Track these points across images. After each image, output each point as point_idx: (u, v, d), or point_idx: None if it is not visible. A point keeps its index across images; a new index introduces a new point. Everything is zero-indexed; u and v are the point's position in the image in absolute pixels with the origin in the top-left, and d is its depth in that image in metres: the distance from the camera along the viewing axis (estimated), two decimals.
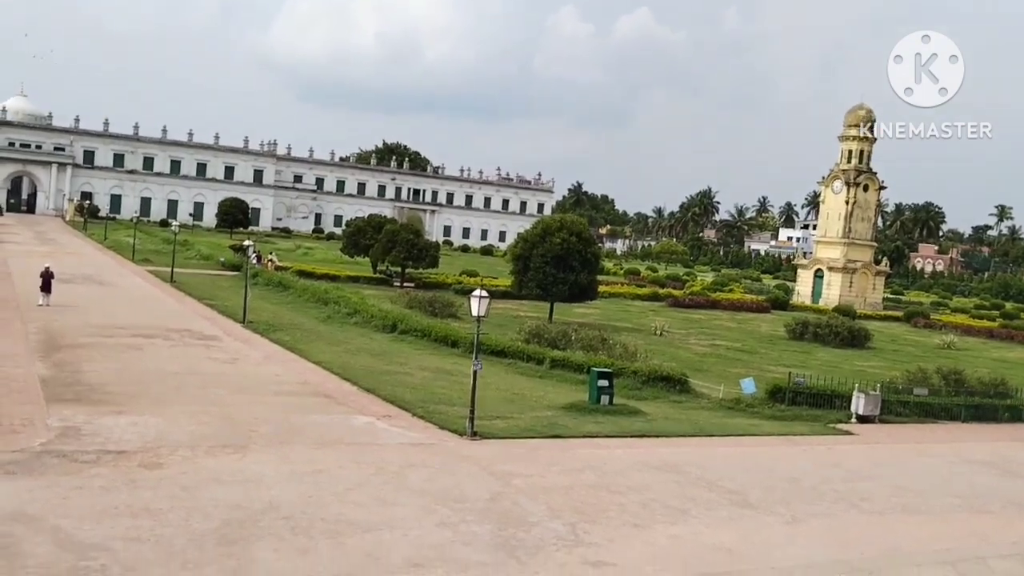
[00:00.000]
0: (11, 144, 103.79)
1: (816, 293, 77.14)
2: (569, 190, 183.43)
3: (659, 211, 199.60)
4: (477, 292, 18.79)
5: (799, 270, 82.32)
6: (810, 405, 25.97)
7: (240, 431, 17.07)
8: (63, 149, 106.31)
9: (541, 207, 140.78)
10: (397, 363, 27.65)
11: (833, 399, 26.18)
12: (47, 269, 32.96)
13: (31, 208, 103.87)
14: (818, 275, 78.13)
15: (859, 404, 25.01)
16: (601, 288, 51.64)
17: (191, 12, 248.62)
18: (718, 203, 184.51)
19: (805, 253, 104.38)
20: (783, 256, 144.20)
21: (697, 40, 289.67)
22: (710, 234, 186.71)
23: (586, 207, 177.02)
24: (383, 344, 31.77)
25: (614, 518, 13.86)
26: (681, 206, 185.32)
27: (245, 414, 18.54)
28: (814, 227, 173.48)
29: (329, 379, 23.92)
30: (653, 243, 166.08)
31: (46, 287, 32.35)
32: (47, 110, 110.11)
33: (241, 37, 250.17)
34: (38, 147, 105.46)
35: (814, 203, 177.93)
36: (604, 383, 23.33)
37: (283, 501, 13.08)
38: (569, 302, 45.58)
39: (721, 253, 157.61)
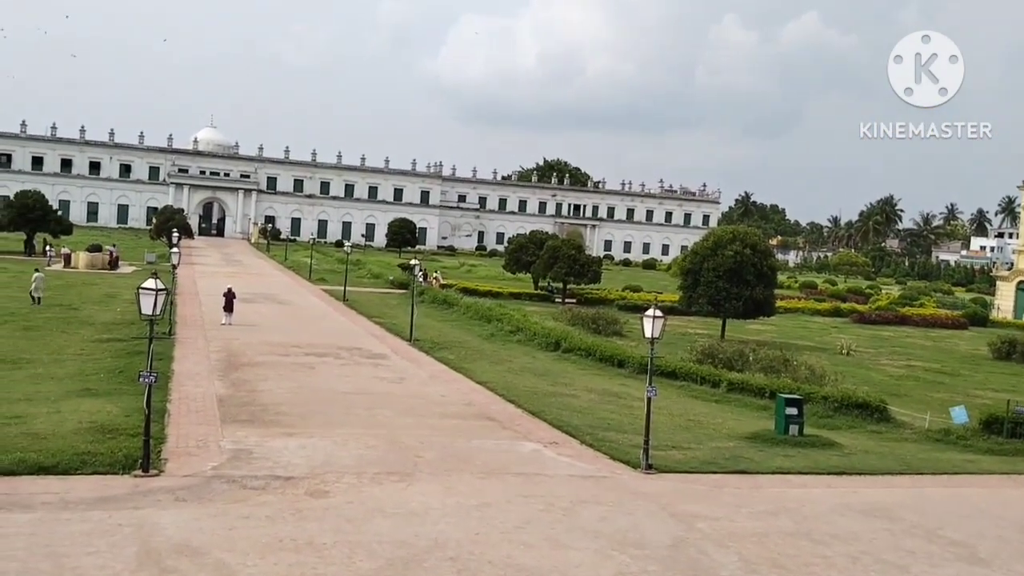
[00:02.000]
0: (203, 172, 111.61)
1: (1019, 308, 70.14)
2: (736, 200, 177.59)
3: (835, 220, 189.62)
4: (651, 311, 17.40)
5: (998, 283, 75.29)
6: None
7: (406, 457, 16.50)
8: (248, 176, 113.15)
9: (706, 219, 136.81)
10: (562, 384, 26.63)
11: None
12: (229, 290, 34.24)
13: (220, 232, 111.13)
14: (1020, 288, 71.08)
15: None
16: (777, 303, 48.77)
17: (363, 44, 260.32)
18: (901, 211, 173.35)
19: (1002, 263, 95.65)
20: (976, 267, 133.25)
21: (870, 41, 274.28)
22: (892, 244, 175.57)
23: (754, 218, 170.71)
24: (547, 363, 30.87)
25: (820, 575, 12.13)
26: (860, 214, 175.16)
27: (411, 438, 18.00)
28: (1011, 235, 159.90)
29: (494, 400, 23.18)
30: (829, 254, 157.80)
31: (228, 307, 33.57)
32: (234, 140, 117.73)
33: (410, 65, 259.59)
34: (226, 175, 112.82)
35: (1009, 209, 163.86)
36: (792, 411, 21.30)
37: (449, 539, 12.25)
38: (743, 318, 43.17)
39: (906, 264, 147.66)
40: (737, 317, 42.30)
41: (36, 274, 37.21)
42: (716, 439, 20.81)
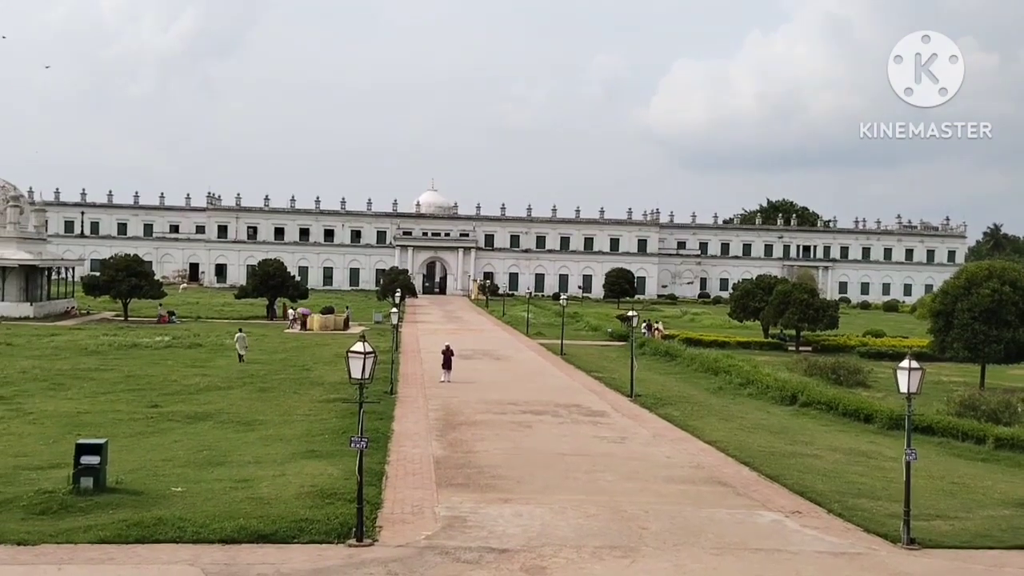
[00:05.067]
0: (425, 234, 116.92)
1: None
2: (984, 234, 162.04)
3: None
4: (906, 363, 15.14)
5: None
6: None
7: (629, 528, 15.18)
8: (467, 235, 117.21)
9: (952, 255, 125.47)
10: (801, 442, 24.25)
11: None
12: (448, 347, 34.62)
13: (442, 289, 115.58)
14: None
15: None
16: None
17: (578, 99, 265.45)
18: None
19: None
20: None
21: None
22: None
23: (1007, 251, 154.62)
24: (782, 419, 28.45)
25: None
26: None
27: (634, 506, 16.67)
28: None
29: (725, 462, 21.35)
30: None
31: (447, 364, 33.89)
32: (453, 201, 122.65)
33: (625, 116, 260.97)
34: (446, 234, 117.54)
35: None
36: None
37: None
38: (1005, 363, 38.47)
39: None
40: (998, 362, 37.86)
41: (239, 334, 39.64)
42: (988, 506, 17.91)
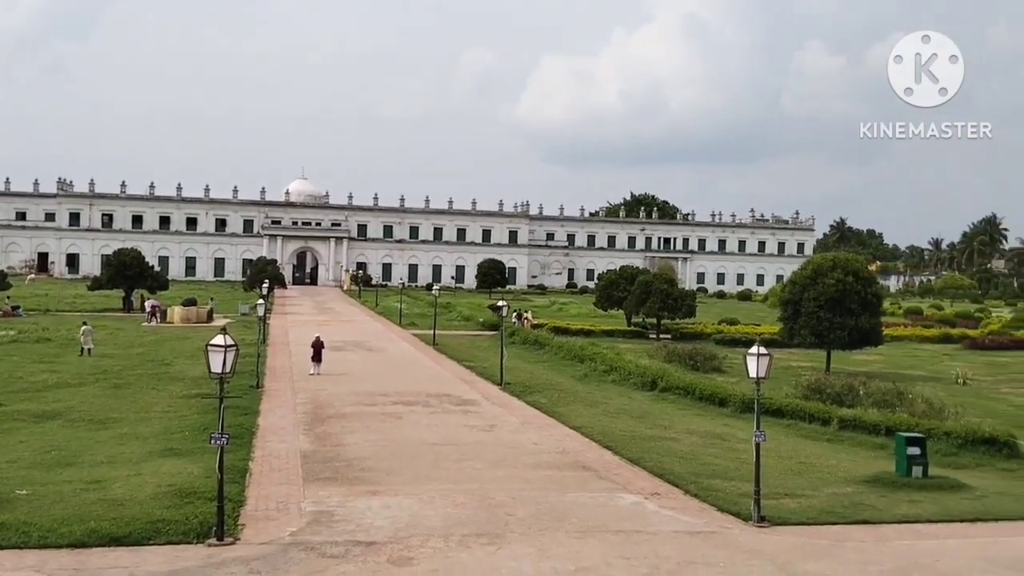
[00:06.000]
0: (295, 223, 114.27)
1: None
2: (831, 227, 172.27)
3: (936, 243, 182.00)
4: (755, 349, 15.97)
5: None
6: None
7: (496, 515, 15.42)
8: (339, 224, 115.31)
9: (801, 247, 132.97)
10: (660, 426, 25.20)
11: None
12: (318, 339, 34.04)
13: (313, 280, 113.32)
14: None
15: None
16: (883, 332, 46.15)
17: (448, 93, 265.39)
18: (1006, 230, 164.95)
19: None
20: None
21: (964, 59, 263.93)
22: (998, 264, 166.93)
23: (851, 243, 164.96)
24: (643, 404, 29.47)
25: None
26: (963, 236, 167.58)
27: (502, 492, 16.93)
28: None
29: (589, 447, 21.94)
30: (932, 278, 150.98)
31: (317, 356, 33.34)
32: (324, 190, 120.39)
33: (495, 110, 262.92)
34: (318, 224, 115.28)
35: None
36: (915, 451, 19.42)
37: None
38: (848, 349, 41.01)
39: (1015, 285, 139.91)
40: (842, 348, 40.29)
41: (84, 327, 37.93)
42: (832, 484, 19.10)
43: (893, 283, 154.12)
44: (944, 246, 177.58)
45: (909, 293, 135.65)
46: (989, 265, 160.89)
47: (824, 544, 14.63)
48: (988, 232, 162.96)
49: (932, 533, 15.60)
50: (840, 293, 38.50)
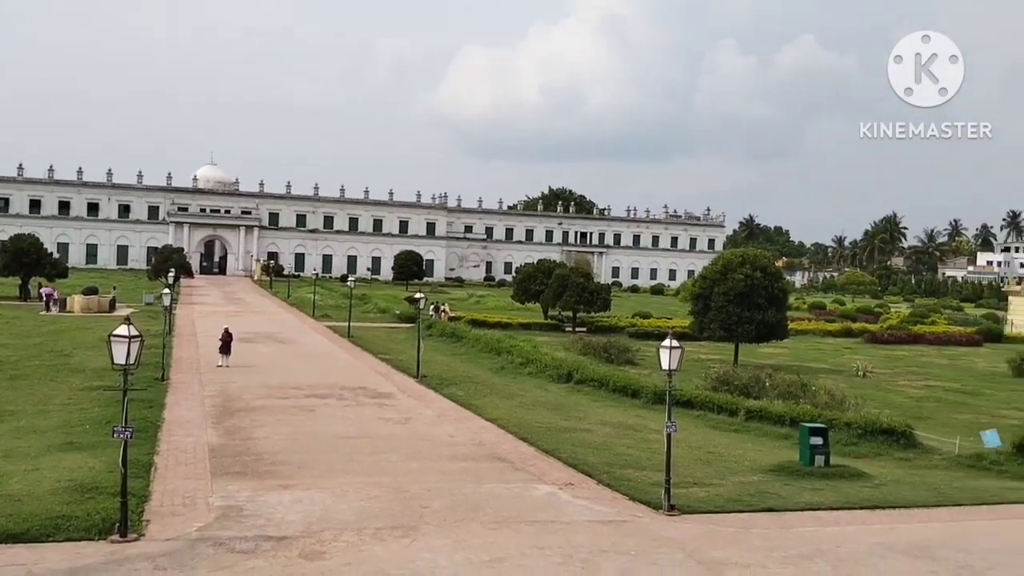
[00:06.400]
0: (203, 210, 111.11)
1: None
2: (740, 223, 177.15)
3: (839, 240, 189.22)
4: (667, 342, 16.28)
5: (1011, 297, 73.91)
6: None
7: (411, 508, 15.33)
8: (250, 212, 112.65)
9: (712, 243, 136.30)
10: (575, 418, 25.48)
11: None
12: (226, 330, 33.23)
13: (222, 270, 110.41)
14: None
15: None
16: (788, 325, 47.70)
17: (364, 81, 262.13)
18: (905, 228, 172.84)
19: (1013, 279, 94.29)
20: (984, 283, 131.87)
21: (868, 63, 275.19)
22: (897, 262, 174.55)
23: (759, 240, 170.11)
24: (559, 396, 29.74)
25: None
26: (865, 233, 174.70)
27: (417, 485, 16.84)
28: (1016, 249, 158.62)
29: (505, 439, 22.03)
30: (835, 274, 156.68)
31: (226, 348, 32.55)
32: (234, 176, 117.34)
33: (412, 99, 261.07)
34: (227, 212, 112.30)
35: (1014, 224, 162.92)
36: (818, 440, 20.11)
37: None
38: (755, 342, 42.19)
39: (912, 282, 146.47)
40: (750, 341, 41.38)
41: None
42: (739, 473, 19.64)
43: (798, 279, 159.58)
44: (847, 244, 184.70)
45: (813, 289, 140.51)
46: (889, 262, 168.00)
47: (731, 531, 15.03)
48: (888, 230, 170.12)
49: (833, 520, 16.18)
50: (748, 288, 39.53)
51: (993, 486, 19.68)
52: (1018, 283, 77.65)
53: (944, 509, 17.36)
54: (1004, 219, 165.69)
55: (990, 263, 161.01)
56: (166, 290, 36.36)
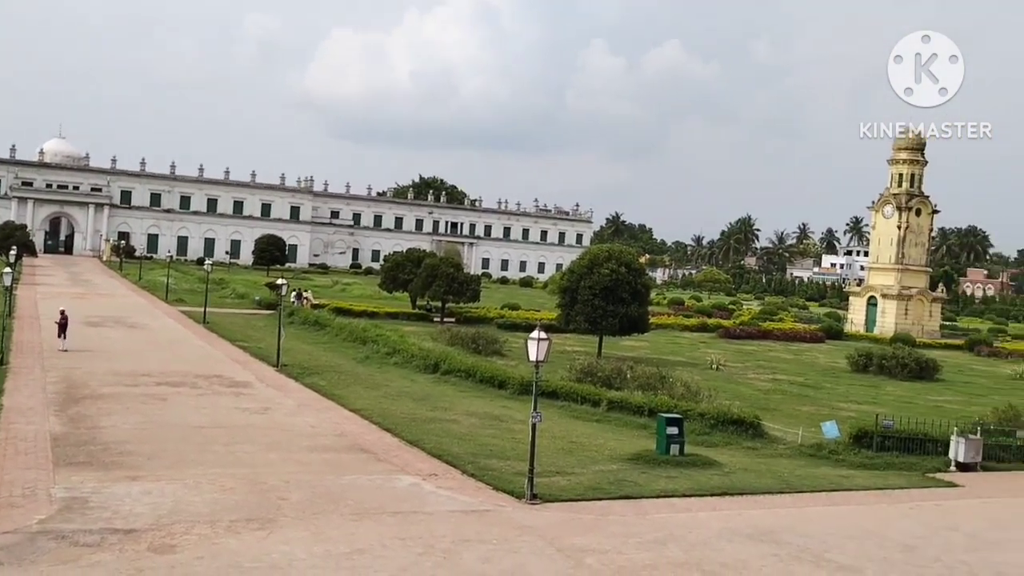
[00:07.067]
0: (49, 186, 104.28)
1: (870, 321, 73.84)
2: (607, 220, 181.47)
3: (698, 239, 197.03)
4: (535, 334, 16.49)
5: (851, 298, 79.13)
6: (900, 451, 23.18)
7: (268, 500, 14.93)
8: (100, 190, 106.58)
9: (580, 238, 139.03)
10: (441, 408, 25.47)
11: (925, 443, 23.41)
12: (63, 312, 31.62)
13: (68, 249, 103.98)
14: (871, 303, 74.85)
15: (959, 450, 22.17)
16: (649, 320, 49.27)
17: (229, 56, 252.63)
18: (758, 230, 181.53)
19: (854, 280, 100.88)
20: (828, 283, 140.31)
21: (728, 70, 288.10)
22: (751, 261, 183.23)
23: (625, 237, 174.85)
24: (425, 386, 29.65)
25: None
26: (722, 234, 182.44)
27: (274, 477, 16.42)
28: (857, 253, 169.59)
29: (368, 430, 21.78)
30: (694, 272, 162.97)
31: (62, 331, 30.92)
32: (84, 151, 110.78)
33: (279, 79, 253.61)
34: (75, 188, 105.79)
35: (856, 228, 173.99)
36: (674, 431, 20.89)
37: None
38: (619, 335, 43.39)
39: (763, 281, 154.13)
40: (613, 334, 42.43)
41: None
42: (599, 462, 20.15)
43: (660, 275, 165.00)
44: (705, 243, 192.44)
45: (673, 285, 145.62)
46: (743, 261, 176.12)
47: (590, 519, 15.41)
48: (743, 231, 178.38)
49: (686, 507, 16.86)
50: (613, 283, 40.53)
51: (831, 474, 20.97)
52: (858, 284, 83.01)
53: (787, 495, 18.40)
54: (847, 224, 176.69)
55: (834, 265, 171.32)
56: (7, 269, 34.01)
